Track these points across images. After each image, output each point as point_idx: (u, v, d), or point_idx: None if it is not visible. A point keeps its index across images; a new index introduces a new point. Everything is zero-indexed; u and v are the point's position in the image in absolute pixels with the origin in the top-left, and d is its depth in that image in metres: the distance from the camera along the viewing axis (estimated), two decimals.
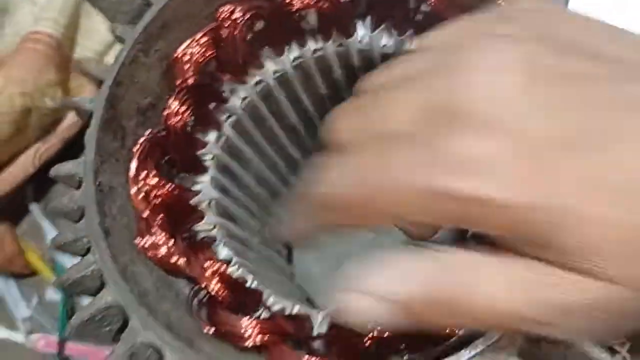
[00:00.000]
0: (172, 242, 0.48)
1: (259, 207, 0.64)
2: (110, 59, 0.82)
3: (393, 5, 0.50)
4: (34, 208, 0.86)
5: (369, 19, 0.53)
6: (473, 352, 0.34)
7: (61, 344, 0.72)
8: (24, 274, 0.83)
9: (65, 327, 0.75)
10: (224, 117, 0.55)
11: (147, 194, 0.48)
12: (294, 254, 0.82)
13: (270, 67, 0.56)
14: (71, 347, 0.72)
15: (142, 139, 0.49)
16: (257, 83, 0.56)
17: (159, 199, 0.48)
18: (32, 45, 0.80)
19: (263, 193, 0.65)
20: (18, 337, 0.78)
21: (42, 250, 0.86)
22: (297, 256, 0.82)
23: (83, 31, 0.87)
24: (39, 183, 0.85)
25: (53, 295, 0.80)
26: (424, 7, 0.49)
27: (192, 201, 0.52)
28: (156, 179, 0.48)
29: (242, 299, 0.47)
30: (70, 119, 0.84)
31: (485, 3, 0.46)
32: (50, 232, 0.84)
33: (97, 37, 0.85)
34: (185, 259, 0.46)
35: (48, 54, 0.81)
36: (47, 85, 0.80)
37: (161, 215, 0.48)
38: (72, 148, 0.82)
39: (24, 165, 0.81)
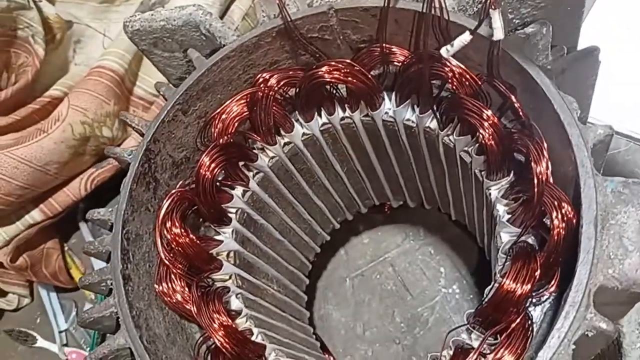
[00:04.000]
0: (187, 290, 0.51)
1: (279, 255, 0.67)
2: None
3: (419, 84, 0.52)
4: (83, 227, 0.93)
5: (394, 94, 0.55)
6: None
7: None
8: (66, 288, 0.90)
9: (95, 346, 0.80)
10: (251, 173, 0.59)
11: (170, 242, 0.51)
12: (315, 300, 0.85)
13: (299, 130, 0.59)
14: None
15: (171, 192, 0.52)
16: (286, 144, 0.59)
17: (181, 248, 0.52)
18: (96, 78, 0.87)
19: (285, 241, 0.68)
20: (54, 347, 0.84)
21: (85, 267, 0.92)
22: (318, 302, 0.85)
23: (146, 67, 0.95)
24: (90, 204, 0.91)
25: None
26: (445, 90, 0.51)
27: (213, 251, 0.55)
28: (179, 229, 0.52)
29: (245, 352, 0.50)
30: None
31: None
32: None
33: (157, 76, 0.91)
34: (196, 308, 0.50)
35: (110, 87, 0.88)
36: (106, 116, 0.87)
37: (181, 263, 0.52)
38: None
39: (78, 188, 0.88)
